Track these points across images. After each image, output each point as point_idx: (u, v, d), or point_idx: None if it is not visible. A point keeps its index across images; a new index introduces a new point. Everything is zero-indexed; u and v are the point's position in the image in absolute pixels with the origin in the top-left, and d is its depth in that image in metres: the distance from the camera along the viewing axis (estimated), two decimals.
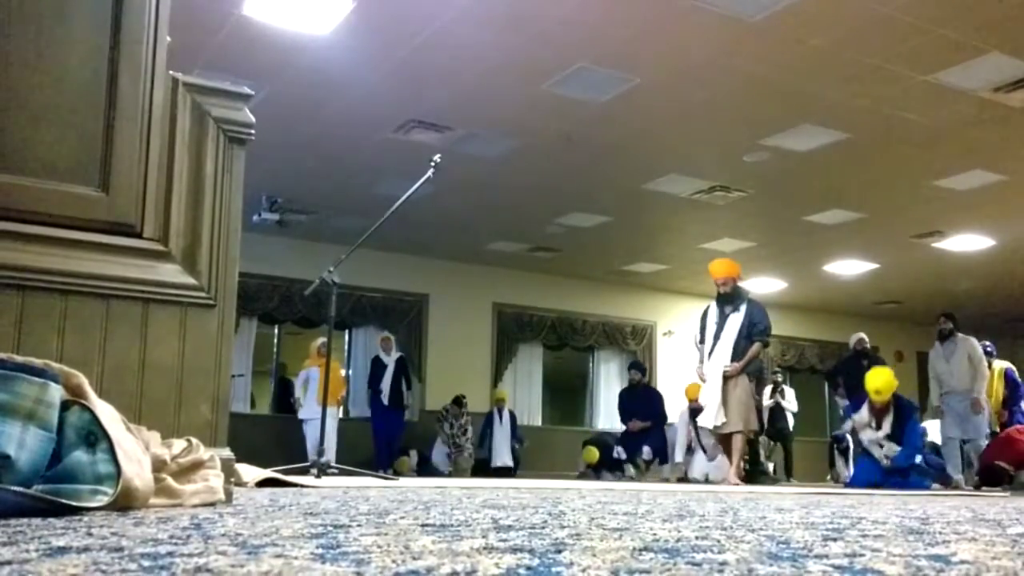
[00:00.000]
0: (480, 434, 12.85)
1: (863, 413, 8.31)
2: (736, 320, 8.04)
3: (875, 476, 8.15)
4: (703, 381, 8.14)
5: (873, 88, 7.77)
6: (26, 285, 2.06)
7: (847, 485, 9.12)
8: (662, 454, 11.64)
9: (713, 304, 8.29)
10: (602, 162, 9.68)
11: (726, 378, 7.91)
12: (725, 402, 7.88)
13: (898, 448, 8.08)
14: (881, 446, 8.17)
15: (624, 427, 12.16)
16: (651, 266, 14.40)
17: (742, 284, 8.51)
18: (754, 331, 8.00)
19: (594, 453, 12.32)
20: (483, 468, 12.43)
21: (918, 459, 8.45)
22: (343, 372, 12.03)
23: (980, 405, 9.22)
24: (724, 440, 8.18)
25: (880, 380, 8.11)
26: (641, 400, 12.03)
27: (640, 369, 12.71)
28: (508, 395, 13.56)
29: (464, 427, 12.63)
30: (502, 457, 12.63)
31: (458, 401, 12.68)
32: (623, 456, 11.99)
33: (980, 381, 9.32)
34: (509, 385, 14.29)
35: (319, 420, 10.67)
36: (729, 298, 8.14)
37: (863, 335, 10.90)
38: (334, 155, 9.67)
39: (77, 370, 1.73)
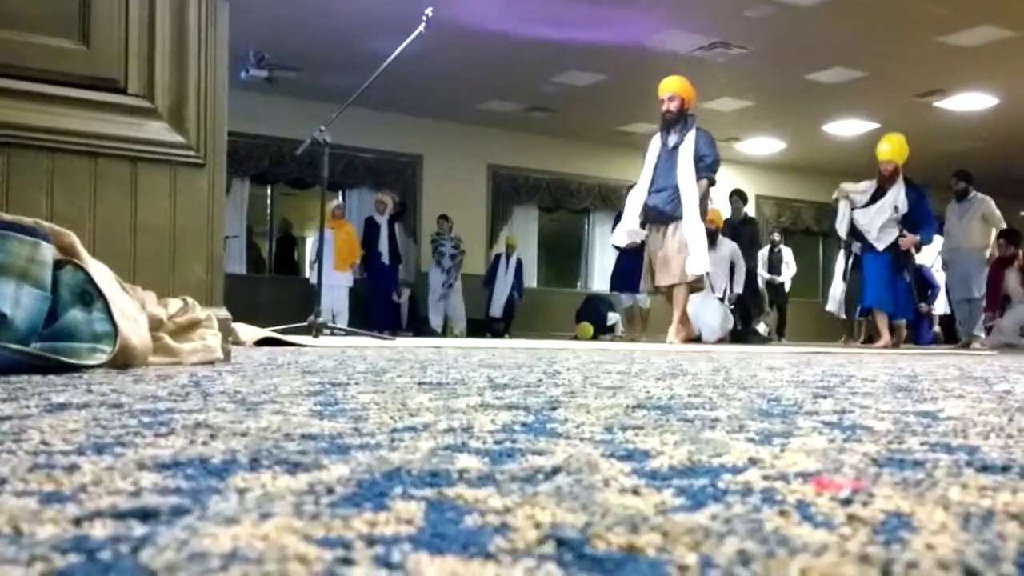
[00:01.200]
0: (484, 280, 13.01)
1: (863, 185, 8.05)
2: (686, 152, 7.03)
3: (889, 283, 7.90)
4: (637, 233, 7.31)
5: None
6: (11, 142, 2.03)
7: (861, 303, 9.07)
8: None
9: (656, 136, 7.32)
10: (601, 17, 9.42)
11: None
12: (667, 253, 7.09)
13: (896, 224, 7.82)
14: (896, 208, 7.79)
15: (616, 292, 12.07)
16: (648, 126, 14.17)
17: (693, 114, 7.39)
18: (701, 165, 7.02)
19: (588, 330, 12.48)
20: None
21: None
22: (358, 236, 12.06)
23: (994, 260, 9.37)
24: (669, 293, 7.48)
25: (888, 138, 8.00)
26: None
27: None
28: (519, 242, 13.57)
29: (456, 242, 12.75)
30: (496, 308, 12.82)
31: (445, 217, 12.80)
32: (616, 320, 12.09)
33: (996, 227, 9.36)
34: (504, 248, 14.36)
35: (335, 283, 10.86)
36: (673, 123, 7.11)
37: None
38: (323, 8, 9.38)
39: (68, 229, 1.72)
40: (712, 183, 7.20)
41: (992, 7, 8.97)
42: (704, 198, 7.14)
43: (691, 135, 7.04)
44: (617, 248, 7.66)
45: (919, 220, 7.85)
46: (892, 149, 7.90)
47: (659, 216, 7.11)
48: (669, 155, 7.09)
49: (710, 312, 9.70)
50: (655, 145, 7.25)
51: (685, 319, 7.47)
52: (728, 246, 10.02)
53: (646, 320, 11.50)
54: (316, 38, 10.26)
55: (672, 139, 7.09)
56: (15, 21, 2.04)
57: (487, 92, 12.47)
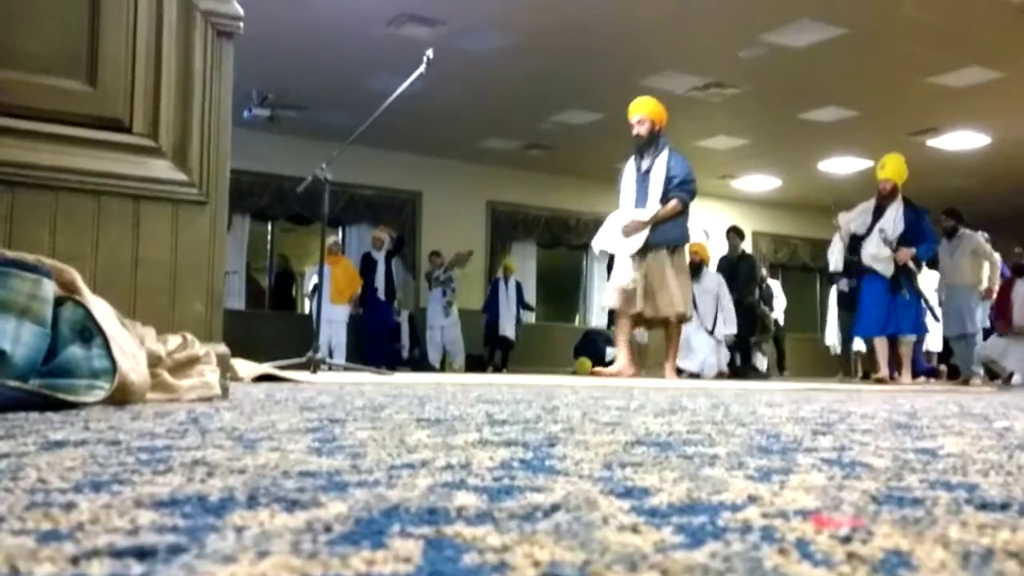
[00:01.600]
0: (485, 304, 13.01)
1: (859, 208, 7.92)
2: (658, 176, 6.72)
3: (883, 306, 7.64)
4: (605, 253, 7.06)
5: None
6: (16, 181, 2.04)
7: (855, 334, 8.93)
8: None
9: (631, 161, 6.99)
10: (596, 58, 9.52)
11: (631, 230, 6.67)
12: (655, 287, 6.72)
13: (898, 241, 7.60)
14: (883, 231, 7.62)
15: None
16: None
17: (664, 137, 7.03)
18: (670, 186, 6.70)
19: (586, 365, 12.49)
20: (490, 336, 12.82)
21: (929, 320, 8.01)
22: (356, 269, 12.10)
23: (991, 293, 9.27)
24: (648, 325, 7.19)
25: (888, 157, 7.89)
26: None
27: None
28: (516, 265, 13.60)
29: (449, 275, 12.78)
30: (504, 327, 12.82)
31: (436, 253, 12.86)
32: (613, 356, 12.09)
33: (992, 271, 9.26)
34: None
35: (333, 318, 10.87)
36: (645, 146, 6.82)
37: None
38: (325, 50, 9.48)
39: (70, 266, 1.72)
40: (685, 204, 6.78)
41: (981, 49, 9.07)
42: (674, 218, 6.73)
43: (663, 157, 6.78)
44: (600, 251, 7.22)
45: (916, 237, 7.68)
46: (890, 168, 7.85)
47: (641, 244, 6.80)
48: (643, 180, 6.80)
49: (701, 347, 9.67)
50: (630, 170, 6.96)
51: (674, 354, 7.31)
52: (713, 278, 9.99)
53: (645, 356, 11.49)
54: (318, 78, 10.36)
55: (645, 163, 6.83)
56: (24, 63, 2.06)
57: (486, 130, 12.55)
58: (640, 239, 6.64)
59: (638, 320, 7.01)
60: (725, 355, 9.84)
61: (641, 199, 6.73)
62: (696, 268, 9.75)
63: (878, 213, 7.82)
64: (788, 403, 2.56)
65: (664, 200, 6.63)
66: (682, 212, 6.75)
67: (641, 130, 6.82)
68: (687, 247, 7.23)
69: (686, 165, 6.82)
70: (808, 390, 4.53)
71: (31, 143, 2.06)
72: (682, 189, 6.71)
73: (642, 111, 6.89)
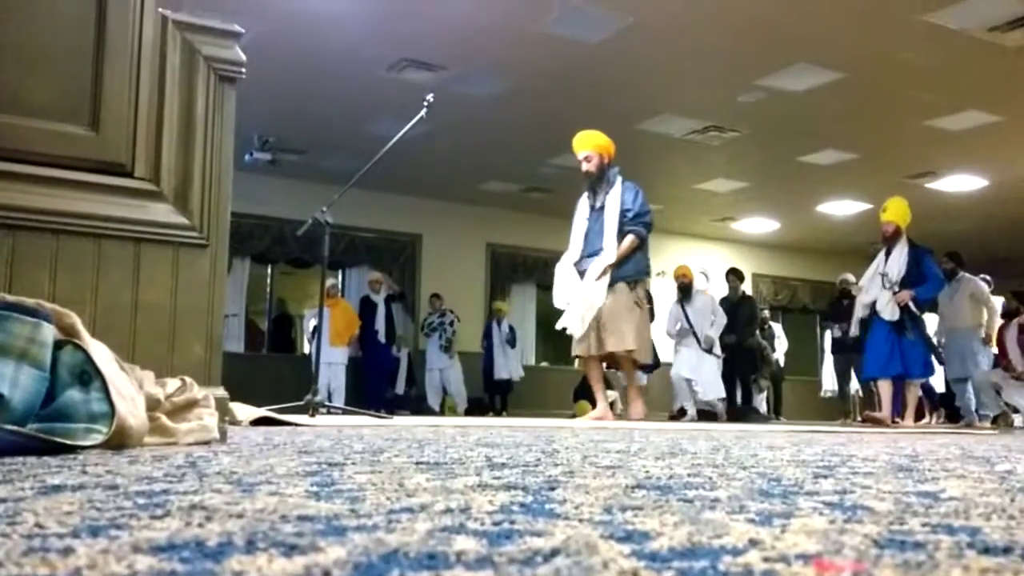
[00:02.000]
0: (482, 347, 13.00)
1: (867, 272, 7.91)
2: (612, 211, 6.44)
3: (888, 347, 7.58)
4: (565, 299, 6.56)
5: (869, 27, 7.68)
6: (17, 225, 2.05)
7: (863, 378, 8.87)
8: (648, 365, 11.35)
9: (583, 198, 6.70)
10: (596, 102, 9.60)
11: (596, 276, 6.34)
12: (607, 319, 6.35)
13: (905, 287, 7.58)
14: (885, 275, 7.61)
15: None
16: None
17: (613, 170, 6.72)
18: (624, 220, 6.40)
19: (586, 408, 12.47)
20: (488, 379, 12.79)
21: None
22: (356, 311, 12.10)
23: (990, 339, 9.28)
24: (608, 362, 6.79)
25: (890, 201, 7.95)
26: None
27: None
28: (507, 307, 13.59)
29: (452, 318, 12.75)
30: (500, 370, 12.77)
31: (437, 295, 12.84)
32: (615, 397, 12.07)
33: (991, 317, 9.28)
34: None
35: (332, 360, 10.84)
36: (597, 182, 6.55)
37: (849, 275, 10.91)
38: (326, 94, 9.57)
39: (69, 310, 1.72)
40: (642, 238, 6.45)
41: (978, 93, 9.16)
42: (634, 253, 6.41)
43: (615, 191, 6.48)
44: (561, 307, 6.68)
45: (918, 279, 7.67)
46: (892, 211, 7.91)
47: None
48: (597, 216, 6.49)
49: (708, 369, 9.62)
50: (582, 208, 6.64)
51: (635, 391, 6.86)
52: (704, 299, 9.98)
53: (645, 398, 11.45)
54: (319, 122, 10.45)
55: (598, 200, 6.53)
56: (28, 108, 2.08)
57: (486, 173, 12.62)
58: (603, 286, 6.36)
59: (605, 360, 6.69)
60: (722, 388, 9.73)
61: (596, 237, 6.44)
62: (685, 289, 9.76)
63: (886, 258, 7.84)
64: (789, 446, 2.55)
65: (620, 236, 6.37)
66: (639, 247, 6.47)
67: (590, 167, 6.56)
68: (647, 282, 6.89)
69: (640, 197, 6.51)
70: (810, 432, 4.51)
71: (33, 187, 2.08)
72: (637, 223, 6.42)
73: (587, 147, 6.61)
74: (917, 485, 1.18)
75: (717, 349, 9.75)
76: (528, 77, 8.96)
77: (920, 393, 8.01)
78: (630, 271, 6.42)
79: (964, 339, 9.23)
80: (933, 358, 8.14)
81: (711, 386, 9.65)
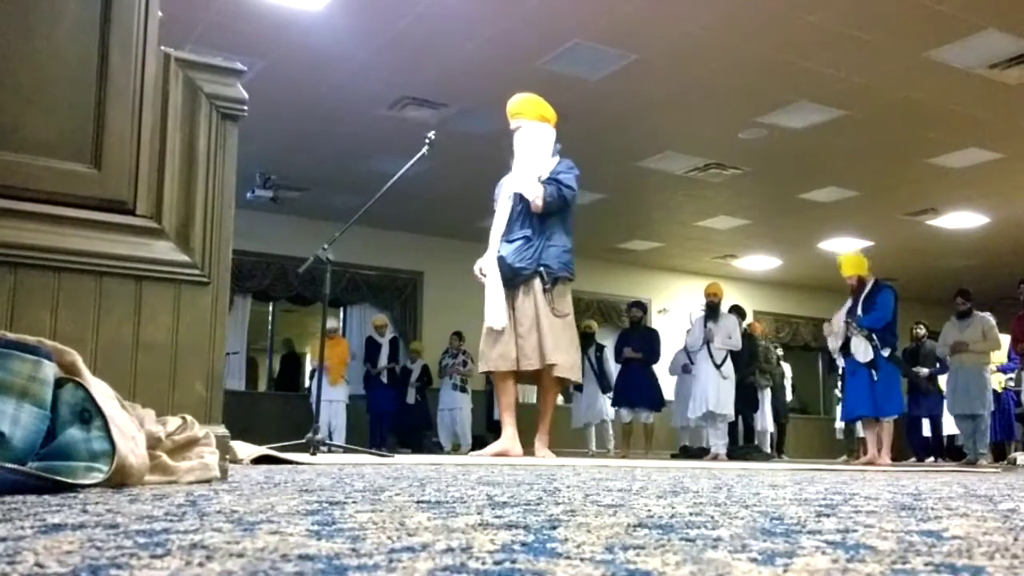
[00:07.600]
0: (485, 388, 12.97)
1: (839, 314, 8.19)
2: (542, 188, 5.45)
3: (862, 392, 7.84)
4: (483, 276, 5.72)
5: (870, 65, 7.75)
6: (19, 262, 2.05)
7: (842, 418, 9.19)
8: (654, 403, 11.29)
9: (507, 176, 5.91)
10: (597, 139, 9.66)
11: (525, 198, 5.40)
12: (522, 328, 5.43)
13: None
14: (849, 323, 7.93)
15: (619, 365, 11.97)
16: (646, 244, 14.39)
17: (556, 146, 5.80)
18: (545, 180, 5.50)
19: None
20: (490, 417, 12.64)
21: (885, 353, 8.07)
22: (349, 348, 12.06)
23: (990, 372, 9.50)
24: (535, 378, 5.67)
25: (841, 258, 8.30)
26: (640, 338, 11.78)
27: (641, 307, 12.23)
28: None
29: (465, 360, 12.63)
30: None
31: (458, 334, 12.63)
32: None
33: (998, 350, 9.60)
34: None
35: (332, 398, 10.82)
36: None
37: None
38: (328, 132, 9.63)
39: (71, 347, 1.73)
40: (552, 200, 5.50)
41: (978, 130, 9.21)
42: (552, 240, 5.49)
43: (550, 166, 5.59)
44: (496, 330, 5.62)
45: (868, 309, 7.90)
46: (846, 267, 8.19)
47: (510, 272, 5.55)
48: (521, 197, 5.59)
49: (723, 387, 9.53)
50: (509, 180, 5.77)
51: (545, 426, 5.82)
52: (730, 319, 9.93)
53: (650, 437, 11.37)
54: (321, 160, 10.51)
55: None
56: (29, 146, 2.09)
57: (488, 210, 12.62)
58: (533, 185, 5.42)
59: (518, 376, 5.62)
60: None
61: (521, 217, 5.64)
62: (714, 308, 9.72)
63: (854, 307, 8.08)
64: (791, 484, 2.54)
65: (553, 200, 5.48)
66: (557, 214, 5.49)
67: (518, 125, 5.76)
68: (568, 290, 5.70)
69: (573, 172, 5.62)
70: (812, 470, 4.48)
71: (34, 225, 2.08)
72: (554, 184, 5.45)
73: (520, 113, 5.73)
74: (920, 524, 1.17)
75: (728, 369, 9.68)
76: None
77: (891, 432, 8.09)
78: (548, 260, 5.45)
79: (971, 375, 9.26)
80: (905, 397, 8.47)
81: (714, 402, 9.53)
